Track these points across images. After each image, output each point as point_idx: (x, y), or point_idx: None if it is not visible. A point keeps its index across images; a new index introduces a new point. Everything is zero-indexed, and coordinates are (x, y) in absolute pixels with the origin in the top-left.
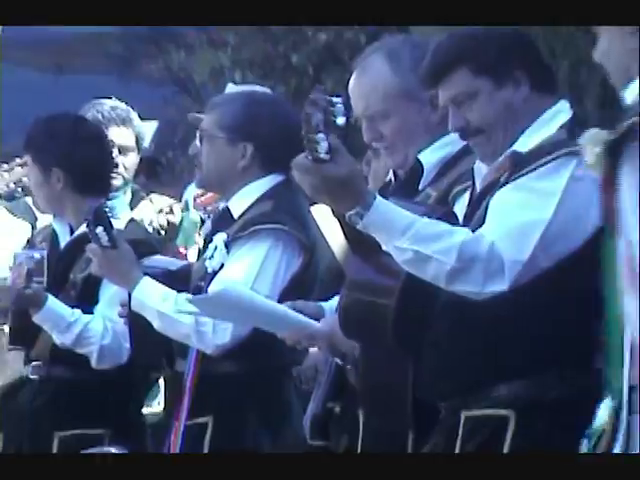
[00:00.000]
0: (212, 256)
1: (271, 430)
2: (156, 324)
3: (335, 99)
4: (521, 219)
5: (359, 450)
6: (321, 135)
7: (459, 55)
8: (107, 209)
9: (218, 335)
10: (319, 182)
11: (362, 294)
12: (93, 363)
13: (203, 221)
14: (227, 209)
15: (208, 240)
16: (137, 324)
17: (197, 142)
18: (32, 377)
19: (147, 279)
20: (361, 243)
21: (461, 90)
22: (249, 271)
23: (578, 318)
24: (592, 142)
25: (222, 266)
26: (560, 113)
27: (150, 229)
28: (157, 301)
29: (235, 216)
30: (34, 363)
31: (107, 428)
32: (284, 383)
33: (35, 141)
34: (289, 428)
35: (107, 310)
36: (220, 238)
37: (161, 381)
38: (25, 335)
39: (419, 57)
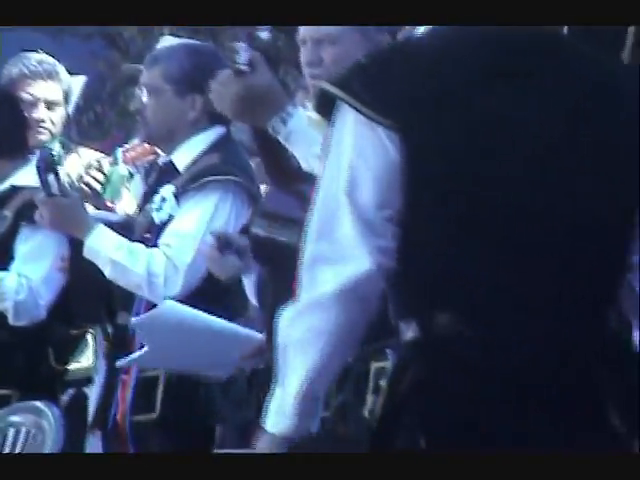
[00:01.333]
0: (160, 208)
1: (220, 384)
2: (108, 272)
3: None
4: None
5: None
6: (241, 44)
7: None
8: (55, 156)
9: (169, 286)
10: (241, 93)
11: (269, 225)
12: (10, 320)
13: (132, 175)
14: (170, 162)
15: (150, 192)
16: (77, 277)
17: (142, 97)
18: None
19: (101, 227)
20: (278, 168)
21: (320, 35)
22: (199, 222)
23: None
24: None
25: (170, 217)
26: None
27: (78, 183)
28: (111, 249)
29: (180, 169)
30: None
31: (14, 389)
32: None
33: None
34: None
35: (22, 267)
36: (168, 190)
37: (89, 337)
38: None
39: None
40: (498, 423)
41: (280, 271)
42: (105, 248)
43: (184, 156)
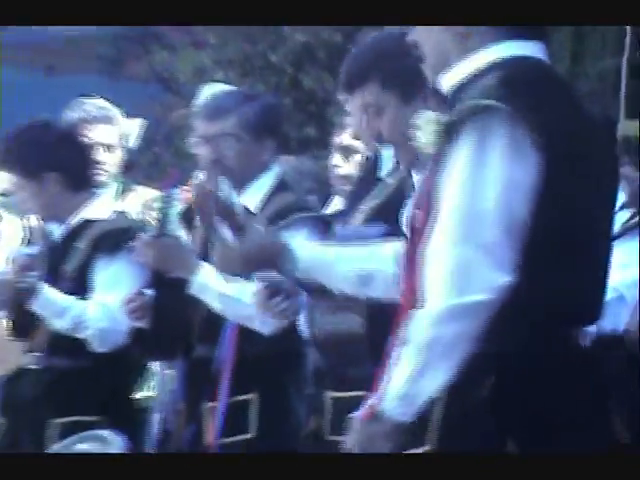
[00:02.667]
0: None
1: (304, 402)
2: (217, 306)
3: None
4: None
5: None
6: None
7: (370, 68)
8: (171, 198)
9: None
10: (243, 255)
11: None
12: (94, 347)
13: (188, 212)
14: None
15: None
16: (157, 313)
17: (216, 147)
18: (31, 367)
19: (205, 264)
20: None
21: (369, 102)
22: None
23: None
24: (427, 122)
25: None
26: None
27: (138, 219)
28: (220, 284)
29: (252, 209)
30: (33, 353)
31: (102, 415)
32: (306, 357)
33: (16, 155)
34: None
35: (102, 296)
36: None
37: (153, 366)
38: (25, 327)
39: None
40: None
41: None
42: (214, 283)
43: (254, 197)
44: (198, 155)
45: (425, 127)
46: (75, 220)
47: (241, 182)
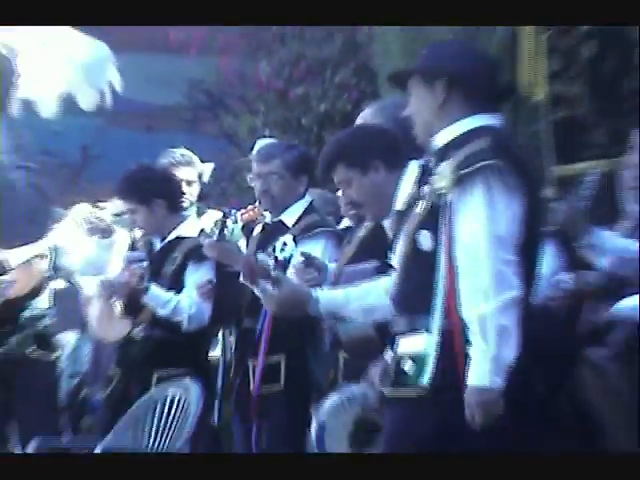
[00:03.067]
0: (283, 249)
1: (321, 361)
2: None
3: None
4: None
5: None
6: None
7: (336, 156)
8: (233, 216)
9: None
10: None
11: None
12: (184, 327)
13: (244, 228)
14: (280, 221)
15: (265, 241)
16: (218, 301)
17: (265, 182)
18: (139, 336)
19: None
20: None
21: (341, 179)
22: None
23: None
24: (445, 172)
25: (291, 256)
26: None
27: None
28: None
29: (289, 225)
30: (140, 327)
31: (188, 368)
32: (322, 330)
33: (137, 188)
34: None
35: (191, 291)
36: (289, 238)
37: (220, 335)
38: (134, 310)
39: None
40: None
41: None
42: (334, 305)
43: (291, 217)
44: (254, 188)
45: (443, 177)
46: (172, 237)
47: (282, 206)
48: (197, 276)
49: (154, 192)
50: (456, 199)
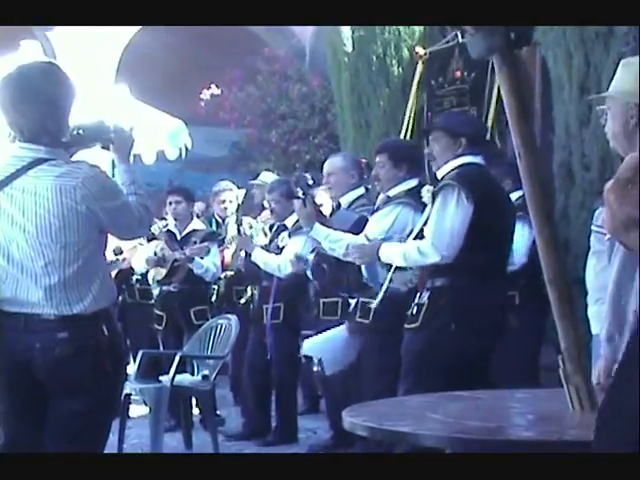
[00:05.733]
0: (282, 240)
1: (309, 308)
2: (262, 264)
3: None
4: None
5: None
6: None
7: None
8: (256, 223)
9: None
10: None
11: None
12: (207, 279)
13: (263, 228)
14: (284, 225)
15: (275, 235)
16: (248, 270)
17: (270, 204)
18: (173, 289)
19: (259, 248)
20: None
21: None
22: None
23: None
24: (427, 191)
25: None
26: None
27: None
28: (263, 255)
29: (289, 226)
30: (174, 284)
31: (210, 305)
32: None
33: (182, 195)
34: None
35: (212, 260)
36: (285, 234)
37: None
38: (169, 271)
39: None
40: None
41: None
42: (261, 255)
43: (292, 219)
44: (264, 205)
45: (426, 194)
46: (189, 229)
47: (283, 217)
48: (211, 251)
49: (193, 199)
50: (430, 205)
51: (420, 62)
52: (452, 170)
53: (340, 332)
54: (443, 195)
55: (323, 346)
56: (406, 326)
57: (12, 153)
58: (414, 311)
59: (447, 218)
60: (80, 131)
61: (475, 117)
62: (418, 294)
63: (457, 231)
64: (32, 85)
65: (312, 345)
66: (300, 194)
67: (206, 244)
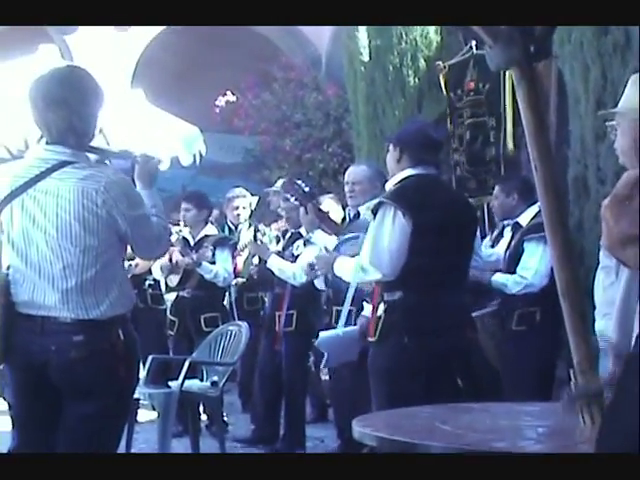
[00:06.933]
0: (297, 248)
1: (320, 316)
2: (277, 271)
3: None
4: None
5: None
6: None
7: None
8: (269, 231)
9: None
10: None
11: None
12: (219, 284)
13: (277, 236)
14: (299, 232)
15: (290, 243)
16: (261, 276)
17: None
18: (186, 295)
19: (273, 254)
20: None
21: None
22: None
23: None
24: (367, 207)
25: (300, 253)
26: None
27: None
28: (278, 262)
29: (305, 235)
30: (187, 289)
31: (222, 312)
32: (321, 296)
33: (195, 201)
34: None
35: (224, 265)
36: (301, 242)
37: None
38: (182, 277)
39: None
40: None
41: None
42: (275, 262)
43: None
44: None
45: (365, 211)
46: (201, 235)
47: (297, 224)
48: (222, 256)
49: (206, 205)
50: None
51: (441, 75)
52: (395, 184)
53: (351, 331)
54: (381, 213)
55: (331, 340)
56: (369, 339)
57: (35, 155)
58: (374, 325)
59: (384, 237)
60: (106, 162)
61: (423, 125)
62: (376, 307)
63: (396, 249)
64: (64, 86)
65: (324, 338)
66: (292, 200)
67: (209, 247)
